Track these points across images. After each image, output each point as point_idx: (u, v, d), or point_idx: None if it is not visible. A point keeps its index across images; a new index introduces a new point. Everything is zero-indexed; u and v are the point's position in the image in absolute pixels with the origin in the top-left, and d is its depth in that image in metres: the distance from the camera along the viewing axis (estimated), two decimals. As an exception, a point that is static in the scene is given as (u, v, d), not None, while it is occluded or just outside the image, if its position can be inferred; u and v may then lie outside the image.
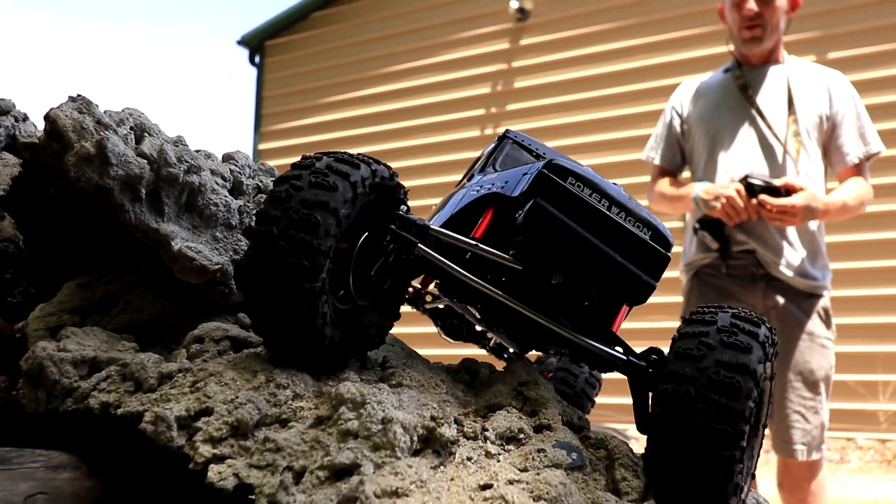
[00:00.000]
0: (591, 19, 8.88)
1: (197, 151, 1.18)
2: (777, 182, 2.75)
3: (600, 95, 8.73)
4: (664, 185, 3.11)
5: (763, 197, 2.72)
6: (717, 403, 0.89)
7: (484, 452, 0.94)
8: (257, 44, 11.84)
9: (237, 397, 0.91)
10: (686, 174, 3.21)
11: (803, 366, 2.85)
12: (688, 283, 3.03)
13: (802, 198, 2.74)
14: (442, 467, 0.89)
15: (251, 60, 11.97)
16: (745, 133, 2.94)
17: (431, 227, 1.08)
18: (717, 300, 2.85)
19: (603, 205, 1.01)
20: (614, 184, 1.08)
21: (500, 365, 1.28)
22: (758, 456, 1.08)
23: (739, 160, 2.91)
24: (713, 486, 0.91)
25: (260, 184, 1.22)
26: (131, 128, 1.06)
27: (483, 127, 9.73)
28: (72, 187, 1.11)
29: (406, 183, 1.14)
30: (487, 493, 0.83)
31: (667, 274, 1.07)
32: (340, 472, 0.84)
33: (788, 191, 2.74)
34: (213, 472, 0.86)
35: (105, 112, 1.06)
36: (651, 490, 0.97)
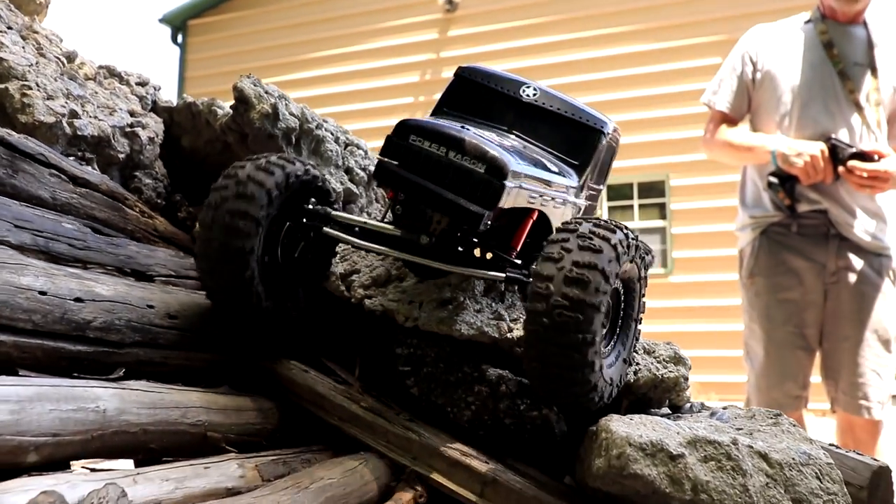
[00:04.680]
0: (518, 13, 9.33)
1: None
2: (866, 147, 2.67)
3: (523, 86, 9.22)
4: (731, 133, 2.91)
5: (853, 163, 2.63)
6: (569, 296, 1.06)
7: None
8: (180, 23, 11.54)
9: (373, 263, 1.48)
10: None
11: (878, 324, 2.78)
12: (754, 241, 2.88)
13: (894, 164, 2.63)
14: (501, 302, 1.49)
15: (173, 39, 11.62)
16: (827, 93, 2.78)
17: (332, 213, 1.32)
18: (788, 257, 2.78)
19: (441, 151, 1.14)
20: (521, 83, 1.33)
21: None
22: (636, 341, 1.33)
23: (819, 120, 2.77)
24: (572, 366, 1.08)
25: (347, 140, 1.77)
26: (278, 96, 1.60)
27: (412, 114, 9.96)
28: (232, 134, 1.63)
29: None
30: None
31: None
32: (444, 302, 1.43)
33: (878, 157, 2.64)
34: (367, 303, 1.43)
35: (263, 85, 1.60)
36: None
